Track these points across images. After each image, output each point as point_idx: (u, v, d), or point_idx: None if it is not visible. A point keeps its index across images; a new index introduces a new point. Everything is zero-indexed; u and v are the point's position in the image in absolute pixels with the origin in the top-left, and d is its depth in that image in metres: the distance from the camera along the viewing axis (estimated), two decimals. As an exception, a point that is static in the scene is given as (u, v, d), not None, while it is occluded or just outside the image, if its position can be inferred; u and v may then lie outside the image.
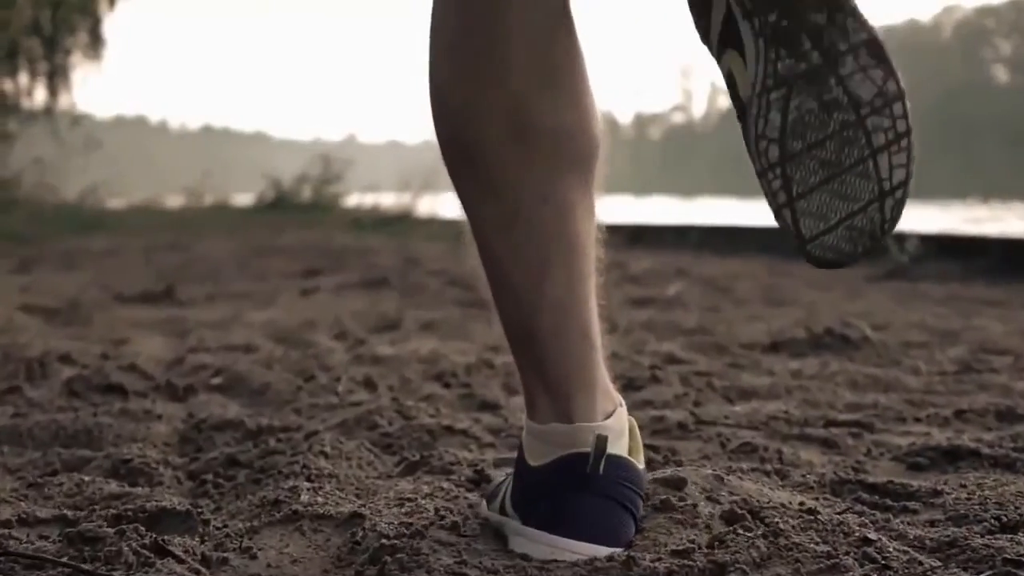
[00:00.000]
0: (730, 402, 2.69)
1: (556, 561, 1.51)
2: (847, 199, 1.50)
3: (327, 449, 2.06)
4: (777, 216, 1.53)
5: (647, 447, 2.02)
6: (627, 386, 2.88)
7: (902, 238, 8.16)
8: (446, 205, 16.83)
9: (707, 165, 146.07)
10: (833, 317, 4.62)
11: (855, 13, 1.52)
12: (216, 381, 2.96)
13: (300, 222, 15.42)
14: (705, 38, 1.59)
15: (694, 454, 2.15)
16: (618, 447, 1.59)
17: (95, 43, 25.21)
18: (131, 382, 2.89)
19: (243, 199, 20.88)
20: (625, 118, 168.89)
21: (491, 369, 3.13)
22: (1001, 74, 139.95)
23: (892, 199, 1.50)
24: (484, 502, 1.74)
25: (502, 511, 1.67)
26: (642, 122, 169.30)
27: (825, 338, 3.59)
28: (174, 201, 21.95)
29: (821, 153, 1.50)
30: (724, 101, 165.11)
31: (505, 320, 1.67)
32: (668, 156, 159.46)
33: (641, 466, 1.64)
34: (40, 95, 24.42)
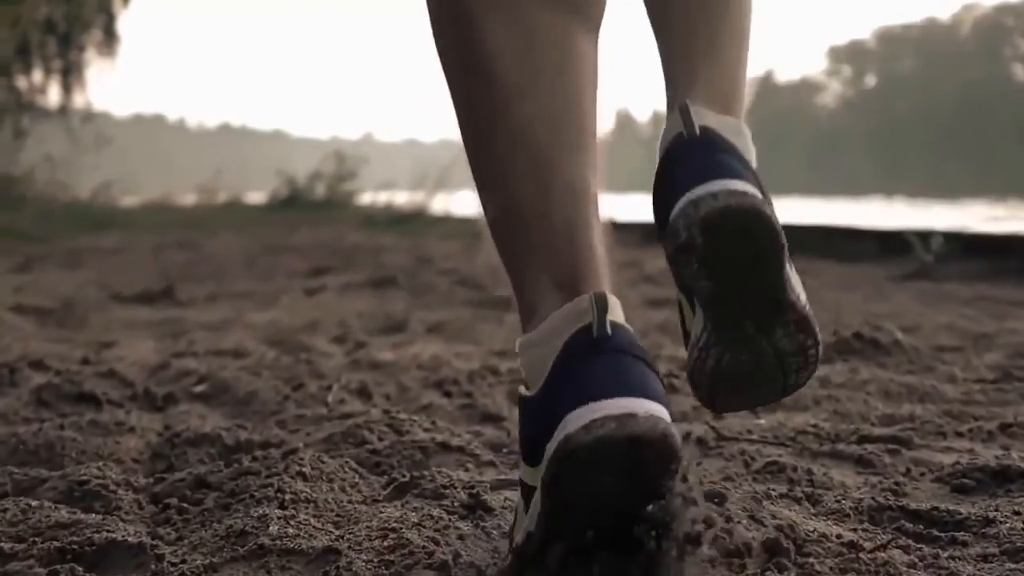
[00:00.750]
0: (754, 414, 2.47)
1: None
2: (757, 396, 1.66)
3: (306, 469, 1.85)
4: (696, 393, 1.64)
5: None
6: (642, 395, 2.68)
7: (926, 236, 7.94)
8: (460, 203, 16.68)
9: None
10: (859, 319, 4.41)
11: (795, 305, 1.58)
12: (199, 389, 2.75)
13: (313, 220, 15.24)
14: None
15: (715, 475, 1.94)
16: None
17: (109, 40, 25.11)
18: (107, 390, 2.68)
19: (258, 197, 20.73)
20: (643, 116, 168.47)
21: (496, 376, 2.92)
22: (1020, 72, 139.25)
23: (792, 389, 1.65)
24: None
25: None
26: (660, 120, 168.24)
27: (853, 342, 3.36)
28: (187, 199, 21.83)
29: (744, 382, 1.61)
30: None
31: (516, 207, 1.51)
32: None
33: None
34: (55, 93, 24.37)
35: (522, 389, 1.43)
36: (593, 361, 1.35)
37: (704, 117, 1.61)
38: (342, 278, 6.72)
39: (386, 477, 1.91)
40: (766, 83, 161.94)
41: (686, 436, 2.16)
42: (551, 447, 1.30)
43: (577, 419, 1.29)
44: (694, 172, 1.54)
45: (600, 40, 1.61)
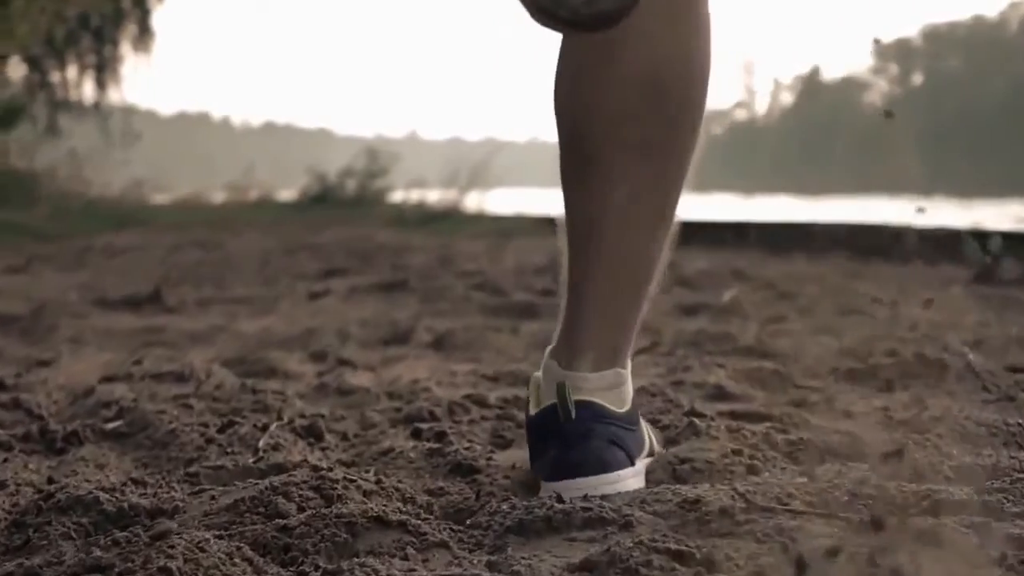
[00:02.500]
0: (796, 464, 1.95)
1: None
2: None
3: (176, 563, 1.34)
4: None
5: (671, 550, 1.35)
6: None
7: (983, 236, 7.38)
8: (495, 200, 16.18)
9: (769, 162, 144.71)
10: (918, 332, 3.88)
11: None
12: (113, 426, 2.22)
13: (342, 218, 14.80)
14: None
15: (741, 571, 1.41)
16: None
17: (144, 35, 24.78)
18: (-1, 426, 2.18)
19: (290, 194, 20.32)
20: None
21: (482, 408, 2.40)
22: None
23: None
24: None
25: None
26: (704, 118, 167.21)
27: (915, 365, 2.82)
28: (218, 197, 21.45)
29: None
30: (787, 97, 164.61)
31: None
32: (729, 153, 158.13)
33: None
34: (89, 88, 24.07)
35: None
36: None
37: (583, 386, 1.78)
38: (352, 281, 6.23)
39: (290, 572, 1.40)
40: (812, 81, 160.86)
41: (701, 504, 1.62)
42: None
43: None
44: (557, 468, 1.76)
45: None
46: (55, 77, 23.86)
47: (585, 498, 1.66)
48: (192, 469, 1.89)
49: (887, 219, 11.87)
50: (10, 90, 13.93)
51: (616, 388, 1.81)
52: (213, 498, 1.71)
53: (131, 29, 24.74)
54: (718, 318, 4.62)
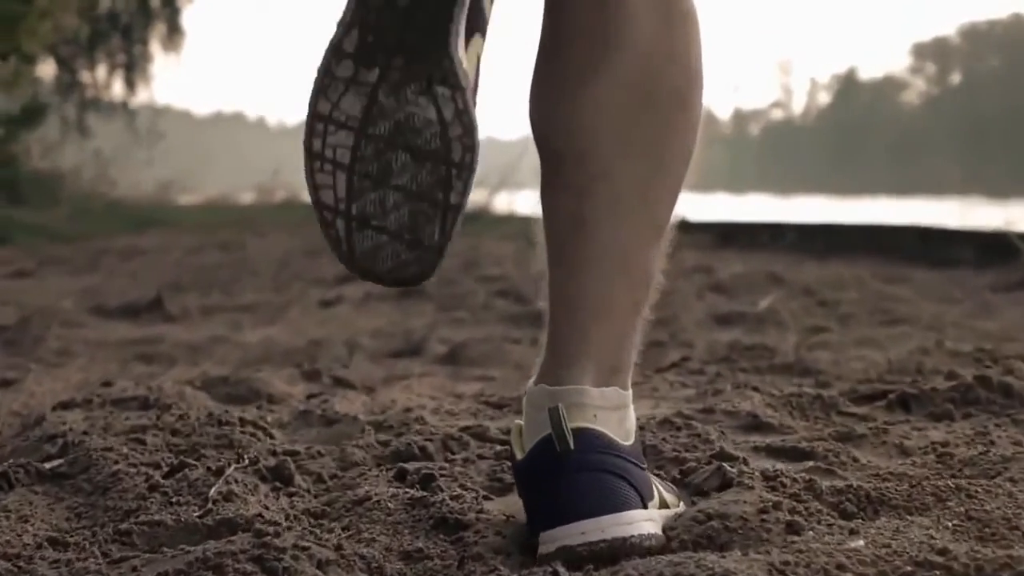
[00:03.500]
0: (845, 518, 1.63)
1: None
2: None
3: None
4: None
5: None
6: (679, 481, 1.85)
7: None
8: (525, 201, 15.85)
9: (806, 162, 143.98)
10: (970, 345, 3.56)
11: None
12: (52, 465, 1.91)
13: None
14: None
15: None
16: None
17: (174, 34, 24.61)
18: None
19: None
20: (724, 114, 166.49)
21: (481, 444, 2.09)
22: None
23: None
24: None
25: None
26: (741, 118, 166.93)
27: (978, 390, 2.49)
28: (247, 197, 21.23)
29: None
30: (823, 97, 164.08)
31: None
32: (765, 153, 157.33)
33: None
34: (118, 88, 23.92)
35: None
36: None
37: (583, 402, 1.54)
38: (368, 286, 5.93)
39: None
40: (849, 81, 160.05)
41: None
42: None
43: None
44: (554, 513, 1.50)
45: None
46: (85, 77, 23.73)
47: (589, 572, 1.36)
48: (125, 525, 1.58)
49: (926, 220, 11.53)
50: (33, 88, 13.64)
51: (620, 411, 1.57)
52: (135, 569, 1.40)
53: (160, 28, 24.58)
54: (754, 328, 4.33)
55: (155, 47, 24.34)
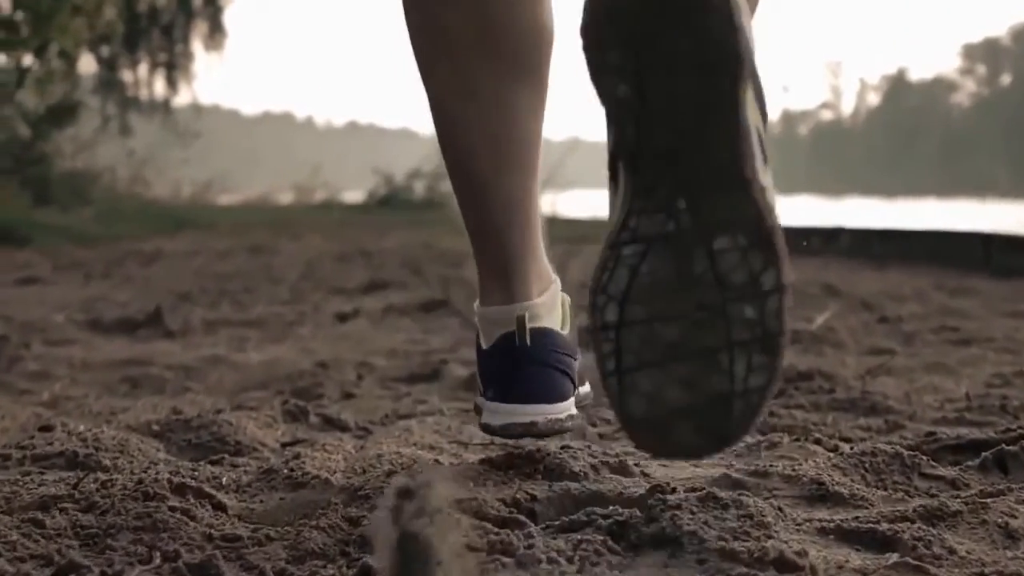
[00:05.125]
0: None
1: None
2: (688, 388, 1.28)
3: None
4: (603, 383, 1.35)
5: None
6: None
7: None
8: (569, 203, 15.45)
9: (856, 163, 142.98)
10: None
11: (751, 188, 1.29)
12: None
13: (408, 222, 14.17)
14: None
15: None
16: (549, 320, 1.82)
17: (216, 34, 24.38)
18: None
19: (358, 196, 19.78)
20: (773, 115, 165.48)
21: (475, 526, 1.66)
22: None
23: (743, 402, 1.27)
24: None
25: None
26: (790, 119, 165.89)
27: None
28: (287, 198, 20.97)
29: (665, 330, 1.29)
30: (873, 98, 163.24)
31: (464, 214, 1.83)
32: (815, 154, 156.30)
33: (566, 331, 1.87)
34: (160, 87, 23.72)
35: (480, 341, 1.87)
36: (512, 370, 1.80)
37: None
38: (392, 298, 5.52)
39: None
40: (898, 82, 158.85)
41: None
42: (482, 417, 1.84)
43: (496, 420, 1.80)
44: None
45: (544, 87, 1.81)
46: (126, 75, 23.51)
47: None
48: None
49: (977, 224, 11.04)
50: (68, 87, 13.32)
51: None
52: None
53: (202, 27, 24.34)
54: (809, 349, 3.88)
55: (196, 46, 24.13)
